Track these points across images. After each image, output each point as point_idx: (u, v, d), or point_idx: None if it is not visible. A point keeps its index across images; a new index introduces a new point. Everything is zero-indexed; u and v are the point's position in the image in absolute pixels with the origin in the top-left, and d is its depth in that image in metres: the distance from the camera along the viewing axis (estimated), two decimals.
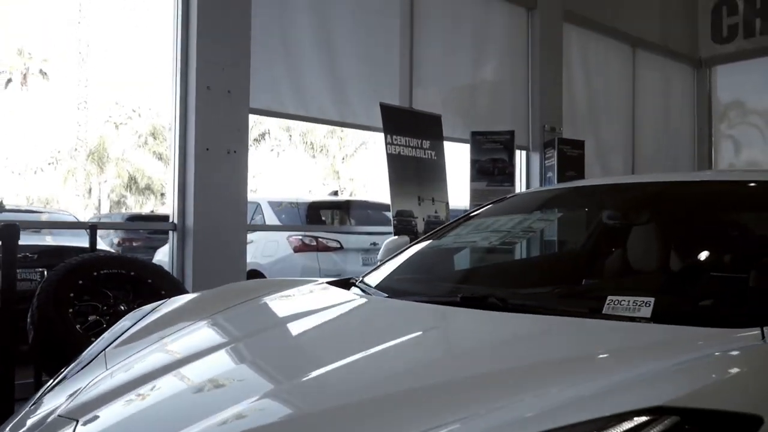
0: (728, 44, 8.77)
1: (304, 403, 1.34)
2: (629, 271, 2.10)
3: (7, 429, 1.58)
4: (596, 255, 2.39)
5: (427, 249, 2.58)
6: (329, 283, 2.36)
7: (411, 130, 5.64)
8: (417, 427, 1.10)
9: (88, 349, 2.05)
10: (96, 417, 1.46)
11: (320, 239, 6.99)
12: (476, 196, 6.01)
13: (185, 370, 1.63)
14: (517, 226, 2.39)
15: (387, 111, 5.50)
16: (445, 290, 2.16)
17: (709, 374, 1.14)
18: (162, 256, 7.05)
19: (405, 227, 5.33)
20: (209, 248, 4.64)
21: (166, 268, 4.35)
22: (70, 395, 1.65)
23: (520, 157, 6.88)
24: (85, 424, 1.44)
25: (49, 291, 3.61)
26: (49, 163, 33.18)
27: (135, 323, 2.13)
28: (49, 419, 1.52)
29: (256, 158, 26.63)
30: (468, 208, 5.84)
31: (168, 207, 4.94)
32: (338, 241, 7.04)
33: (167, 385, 1.57)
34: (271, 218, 7.69)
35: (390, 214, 5.44)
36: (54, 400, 1.66)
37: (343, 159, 30.11)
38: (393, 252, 2.64)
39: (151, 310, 2.23)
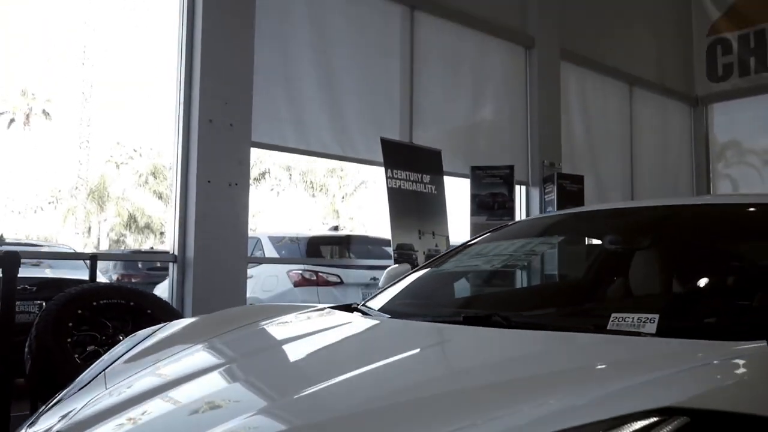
0: (724, 82, 8.89)
1: (297, 418, 1.33)
2: (632, 294, 2.10)
3: None
4: (598, 280, 2.39)
5: (429, 275, 2.58)
6: (331, 307, 2.35)
7: (411, 164, 5.68)
8: None
9: (87, 371, 2.03)
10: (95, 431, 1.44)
11: (320, 274, 6.97)
12: (476, 230, 6.02)
13: (182, 389, 1.62)
14: (518, 250, 2.40)
15: (387, 145, 5.55)
16: (447, 311, 2.15)
17: (718, 378, 1.13)
18: (161, 291, 7.02)
19: (406, 260, 5.32)
20: (209, 280, 4.63)
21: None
22: (68, 413, 1.63)
23: (519, 192, 6.92)
24: None
25: (48, 320, 3.59)
26: (50, 202, 33.27)
27: (134, 346, 2.12)
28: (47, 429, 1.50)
29: (256, 197, 26.74)
30: None
31: (167, 244, 4.94)
32: (338, 276, 7.02)
33: (164, 403, 1.55)
34: (271, 253, 7.68)
35: (390, 249, 5.44)
36: (51, 419, 1.64)
37: (343, 198, 30.23)
38: (394, 279, 2.63)
39: (151, 333, 2.22)
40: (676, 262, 2.12)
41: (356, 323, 2.01)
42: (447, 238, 5.78)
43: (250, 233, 5.30)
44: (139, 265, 10.69)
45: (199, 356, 1.92)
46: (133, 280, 10.15)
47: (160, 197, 28.79)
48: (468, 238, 5.97)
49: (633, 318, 1.59)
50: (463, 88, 6.61)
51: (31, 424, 1.70)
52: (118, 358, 2.05)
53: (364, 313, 2.19)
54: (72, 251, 7.04)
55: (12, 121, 34.94)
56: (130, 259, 11.48)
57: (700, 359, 1.25)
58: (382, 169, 5.45)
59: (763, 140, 8.70)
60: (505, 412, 1.12)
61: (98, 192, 30.21)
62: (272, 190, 30.86)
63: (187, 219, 4.65)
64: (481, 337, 1.66)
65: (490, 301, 2.56)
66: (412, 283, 2.50)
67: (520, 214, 6.81)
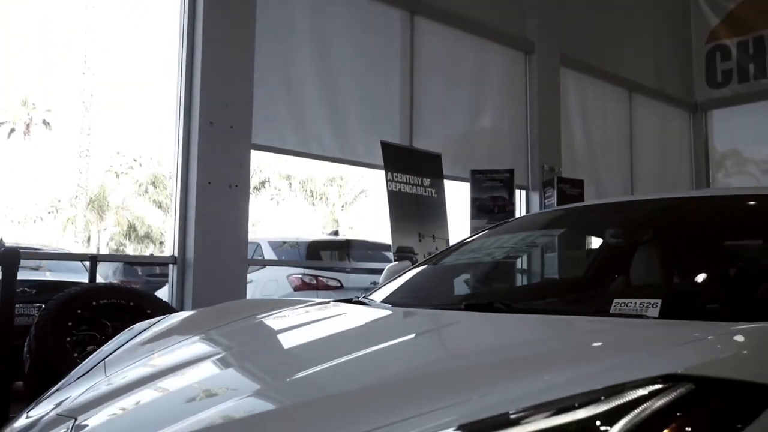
0: (723, 89, 8.91)
1: (288, 399, 1.32)
2: (634, 284, 2.09)
3: (6, 429, 1.55)
4: (600, 272, 2.38)
5: (431, 270, 2.57)
6: (331, 301, 2.35)
7: (411, 167, 5.69)
8: (410, 411, 1.06)
9: (85, 361, 2.03)
10: (93, 415, 1.43)
11: (320, 278, 6.96)
12: None
13: (178, 375, 1.61)
14: (518, 243, 2.39)
15: (387, 149, 5.56)
16: (449, 300, 2.14)
17: (721, 349, 1.12)
18: (160, 296, 7.00)
19: None
20: (209, 282, 4.62)
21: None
22: (67, 399, 1.63)
23: (519, 196, 6.92)
24: (82, 421, 1.41)
25: (47, 320, 3.58)
26: (49, 212, 33.26)
27: (132, 338, 2.11)
28: (47, 417, 1.49)
29: (256, 206, 26.73)
30: None
31: (167, 246, 4.93)
32: (338, 280, 7.00)
33: (160, 389, 1.54)
34: (271, 258, 7.67)
35: (390, 253, 5.43)
36: (49, 405, 1.64)
37: (343, 206, 30.23)
38: (395, 275, 2.62)
39: (148, 326, 2.21)
40: (677, 252, 2.11)
41: (356, 312, 2.01)
42: (447, 241, 5.77)
43: (250, 238, 5.29)
44: (139, 272, 10.65)
45: (196, 346, 1.91)
46: (132, 287, 10.09)
47: (160, 206, 28.78)
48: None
49: (635, 303, 1.59)
50: (463, 93, 6.62)
51: (29, 410, 1.69)
52: (117, 349, 2.04)
53: (364, 305, 2.18)
54: (71, 253, 7.02)
55: (12, 131, 34.97)
56: (129, 261, 11.43)
57: (703, 335, 1.24)
58: (382, 178, 5.46)
59: (763, 149, 8.70)
60: (502, 387, 1.11)
61: (98, 201, 30.20)
62: (272, 199, 30.87)
63: (187, 220, 4.64)
64: (481, 321, 1.66)
65: (492, 291, 2.55)
66: (413, 277, 2.49)
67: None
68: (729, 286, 1.82)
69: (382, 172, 5.44)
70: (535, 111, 7.11)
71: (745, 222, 2.03)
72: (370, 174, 5.94)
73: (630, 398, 0.93)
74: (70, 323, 3.63)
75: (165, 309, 4.00)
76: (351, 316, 1.95)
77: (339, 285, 6.98)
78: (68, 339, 3.57)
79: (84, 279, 4.66)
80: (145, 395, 1.49)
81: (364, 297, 2.32)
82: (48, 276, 5.90)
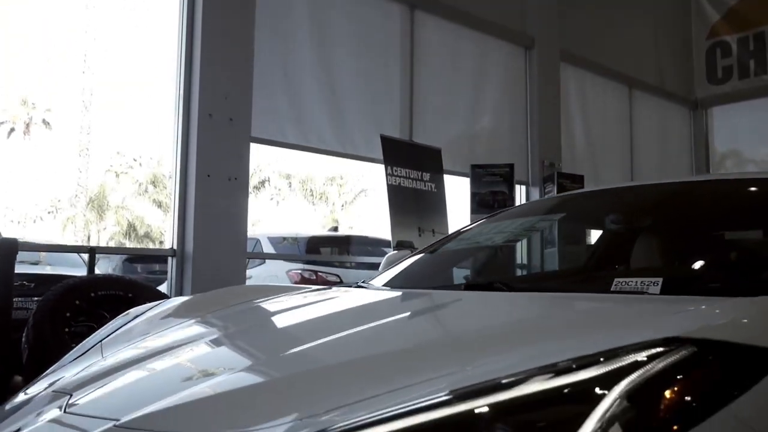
0: (723, 85, 8.89)
1: (278, 372, 1.31)
2: (634, 267, 2.08)
3: (3, 406, 1.54)
4: (600, 256, 2.36)
5: (430, 257, 2.55)
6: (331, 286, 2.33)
7: (411, 162, 5.67)
8: (402, 381, 1.04)
9: (82, 343, 2.02)
10: (89, 391, 1.42)
11: (320, 273, 6.94)
12: None
13: (173, 354, 1.60)
14: (518, 227, 2.38)
15: (387, 143, 5.54)
16: (449, 283, 2.13)
17: (723, 314, 1.11)
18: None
19: None
20: (208, 274, 4.60)
21: None
22: (63, 377, 1.62)
23: (519, 191, 6.91)
24: (77, 397, 1.40)
25: (45, 310, 3.57)
26: (49, 212, 33.25)
27: (129, 321, 2.10)
28: (42, 393, 1.48)
29: (256, 205, 26.71)
30: None
31: (166, 240, 4.92)
32: (338, 276, 6.99)
33: (154, 366, 1.53)
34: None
35: (390, 249, 5.41)
36: (47, 382, 1.62)
37: (343, 206, 30.21)
38: (394, 263, 2.61)
39: (146, 310, 2.20)
40: (678, 235, 2.10)
41: (354, 294, 1.99)
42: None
43: (249, 234, 5.27)
44: (138, 269, 10.65)
45: (192, 328, 1.90)
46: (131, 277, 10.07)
47: (160, 206, 28.78)
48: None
49: (636, 281, 1.57)
50: (463, 88, 6.61)
51: (26, 389, 1.68)
52: (113, 333, 2.03)
53: (364, 289, 2.17)
54: (69, 245, 7.01)
55: (12, 130, 34.97)
56: (128, 253, 11.40)
57: (704, 305, 1.23)
58: (382, 177, 5.44)
59: (764, 149, 8.68)
60: (498, 357, 1.10)
61: (98, 201, 30.20)
62: (272, 198, 30.86)
63: (186, 213, 4.63)
64: (480, 299, 1.64)
65: (492, 273, 2.54)
66: (413, 263, 2.47)
67: None
68: (731, 265, 1.81)
69: (383, 171, 5.42)
70: (535, 106, 7.10)
71: (746, 203, 2.02)
72: (370, 173, 5.95)
73: (630, 361, 0.91)
74: (68, 314, 3.62)
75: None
76: (349, 298, 1.94)
77: (338, 280, 6.97)
78: (66, 329, 3.56)
79: (83, 273, 4.65)
80: (140, 373, 1.48)
81: (363, 282, 2.30)
82: (48, 270, 5.91)
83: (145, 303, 3.82)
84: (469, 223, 6.13)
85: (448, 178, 6.06)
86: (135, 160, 32.97)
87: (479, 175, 6.21)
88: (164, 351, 1.62)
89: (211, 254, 4.63)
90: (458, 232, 2.63)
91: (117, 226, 30.03)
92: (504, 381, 0.92)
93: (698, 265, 1.81)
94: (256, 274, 7.08)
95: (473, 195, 6.21)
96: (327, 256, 7.87)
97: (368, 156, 5.78)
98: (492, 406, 0.88)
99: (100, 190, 30.60)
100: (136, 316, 2.14)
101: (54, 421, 1.28)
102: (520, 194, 6.93)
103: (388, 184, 5.45)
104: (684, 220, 2.11)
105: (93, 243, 30.61)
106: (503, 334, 1.27)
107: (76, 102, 30.73)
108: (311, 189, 29.69)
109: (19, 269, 5.80)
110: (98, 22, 31.24)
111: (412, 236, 5.50)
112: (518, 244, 3.04)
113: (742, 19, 8.61)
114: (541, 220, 2.48)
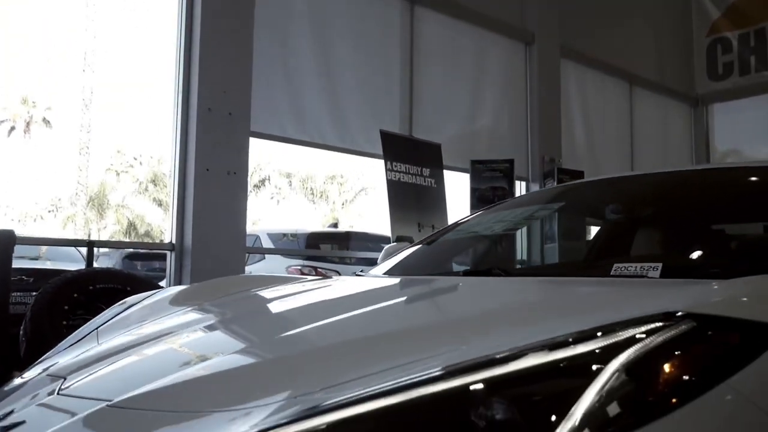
0: (724, 81, 8.87)
1: (270, 354, 1.30)
2: (634, 254, 2.06)
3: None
4: (599, 244, 2.35)
5: (429, 247, 2.54)
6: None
7: (411, 157, 5.66)
8: (396, 361, 1.02)
9: (77, 330, 2.00)
10: (83, 375, 1.41)
11: (319, 270, 6.93)
12: None
13: (173, 338, 1.59)
14: (517, 216, 2.36)
15: (387, 138, 5.53)
16: (448, 270, 2.11)
17: (722, 291, 1.10)
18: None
19: None
20: (207, 269, 4.58)
21: None
22: (58, 362, 1.61)
23: (519, 187, 6.89)
24: (71, 380, 1.39)
25: (43, 303, 3.56)
26: (50, 211, 33.27)
27: (125, 310, 2.09)
28: (37, 377, 1.47)
29: (256, 205, 26.71)
30: None
31: (165, 234, 4.91)
32: (337, 272, 6.97)
33: (153, 349, 1.52)
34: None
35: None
36: (42, 368, 1.61)
37: (343, 204, 30.20)
38: (392, 255, 2.59)
39: (142, 299, 2.19)
40: (678, 223, 2.08)
41: (353, 281, 1.98)
42: None
43: (249, 230, 5.26)
44: (138, 266, 10.65)
45: (189, 315, 1.89)
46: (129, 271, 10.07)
47: (160, 204, 28.78)
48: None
49: (636, 266, 1.56)
50: (463, 83, 6.59)
51: (21, 374, 1.67)
52: (108, 321, 2.02)
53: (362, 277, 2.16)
54: (68, 239, 7.00)
55: (12, 129, 34.96)
56: (127, 247, 11.38)
57: (703, 284, 1.21)
58: (382, 174, 5.42)
59: (765, 145, 8.65)
60: (497, 336, 1.08)
61: (98, 199, 30.19)
62: (272, 197, 30.85)
63: (185, 207, 4.61)
64: (478, 284, 1.63)
65: (492, 262, 2.52)
66: (412, 254, 2.46)
67: None
68: (731, 252, 1.80)
69: (383, 168, 5.40)
70: (535, 102, 7.09)
71: (747, 191, 2.00)
72: (371, 171, 5.94)
73: (628, 335, 0.90)
74: (66, 307, 3.61)
75: None
76: (347, 285, 1.93)
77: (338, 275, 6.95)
78: (64, 322, 3.55)
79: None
80: (135, 357, 1.47)
81: (361, 272, 2.29)
82: (48, 265, 5.90)
83: None
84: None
85: (448, 174, 6.05)
86: (135, 158, 33.00)
87: (479, 170, 6.20)
88: (160, 337, 1.61)
89: (210, 249, 4.62)
90: (457, 223, 2.62)
91: (117, 225, 30.03)
92: (500, 356, 0.90)
93: (698, 251, 1.79)
94: (256, 270, 7.07)
95: (473, 190, 6.19)
96: (326, 251, 7.85)
97: (368, 151, 5.76)
98: (489, 380, 0.87)
99: (100, 188, 30.61)
100: (133, 305, 2.13)
101: (47, 402, 1.27)
102: (520, 190, 6.91)
103: (387, 180, 5.43)
104: (684, 208, 2.10)
105: None
106: (501, 314, 1.25)
107: (77, 100, 30.71)
108: (311, 187, 29.68)
109: (19, 264, 5.80)
110: (98, 20, 31.23)
111: (411, 232, 5.48)
112: (518, 234, 3.03)
113: (742, 16, 8.59)
114: (541, 209, 2.47)
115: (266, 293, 2.03)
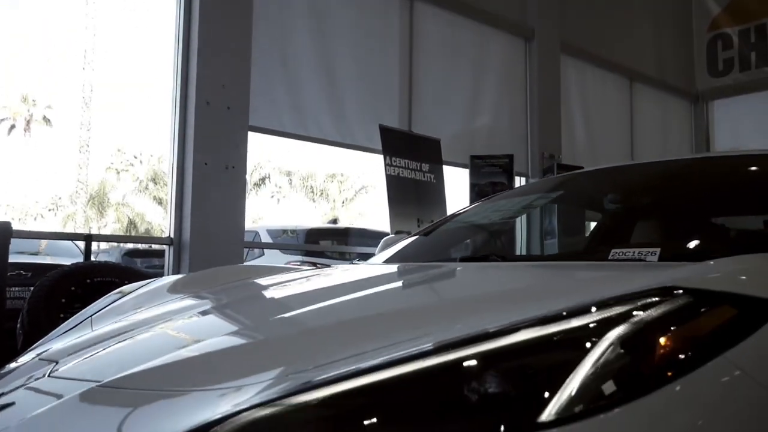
0: (724, 77, 8.85)
1: (262, 335, 1.30)
2: (632, 241, 2.05)
3: None
4: (598, 232, 2.34)
5: (427, 238, 2.53)
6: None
7: (410, 152, 5.64)
8: (387, 340, 1.01)
9: (72, 318, 1.99)
10: (75, 358, 1.40)
11: (318, 265, 6.91)
12: None
13: (167, 322, 1.58)
14: (515, 205, 2.35)
15: (386, 133, 5.51)
16: (446, 257, 2.10)
17: (718, 267, 1.08)
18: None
19: None
20: (205, 263, 4.55)
21: None
22: (51, 347, 1.59)
23: (519, 183, 6.87)
24: (63, 363, 1.38)
25: (41, 296, 3.54)
26: (50, 210, 33.27)
27: (120, 298, 2.08)
28: (29, 362, 1.46)
29: (257, 203, 26.70)
30: None
31: (164, 228, 4.89)
32: None
33: (147, 334, 1.51)
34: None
35: None
36: (35, 353, 1.60)
37: (343, 203, 30.18)
38: (390, 246, 2.58)
39: (138, 288, 2.17)
40: (676, 211, 2.07)
41: (350, 269, 1.97)
42: None
43: (249, 227, 5.25)
44: (138, 263, 10.65)
45: (185, 302, 1.87)
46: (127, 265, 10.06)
47: (160, 203, 28.78)
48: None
49: (634, 251, 1.54)
50: (462, 79, 6.58)
51: (16, 360, 1.66)
52: (102, 309, 2.00)
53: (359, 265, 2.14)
54: (65, 232, 6.98)
55: (12, 127, 34.96)
56: (125, 241, 11.37)
57: (703, 264, 1.20)
58: (382, 171, 5.40)
59: (765, 142, 8.62)
60: (490, 313, 1.07)
61: (98, 198, 30.19)
62: (272, 196, 30.83)
63: (183, 201, 4.60)
64: (474, 268, 1.61)
65: (490, 250, 2.51)
66: (409, 244, 2.45)
67: None
68: (730, 239, 1.78)
69: (383, 166, 5.38)
70: (535, 98, 7.07)
71: (744, 179, 1.99)
72: (371, 170, 5.92)
73: (624, 309, 0.88)
74: (63, 300, 3.59)
75: None
76: (344, 272, 1.92)
77: None
78: (61, 315, 3.52)
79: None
80: (128, 341, 1.46)
81: (358, 261, 2.28)
82: (48, 260, 5.89)
83: None
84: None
85: (447, 169, 6.03)
86: (135, 157, 33.01)
87: (478, 166, 6.18)
88: (154, 322, 1.60)
89: (208, 243, 4.60)
90: (455, 214, 2.61)
91: (117, 223, 30.03)
92: (493, 329, 0.89)
93: (697, 237, 1.78)
94: None
95: (472, 186, 6.17)
96: (326, 247, 7.84)
97: (367, 146, 5.74)
98: (481, 354, 0.85)
99: (100, 186, 30.61)
100: (129, 293, 2.11)
101: (37, 385, 1.26)
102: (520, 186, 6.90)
103: (386, 175, 5.41)
104: (684, 196, 2.08)
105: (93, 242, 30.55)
106: (497, 295, 1.24)
107: (77, 99, 30.71)
108: (312, 186, 29.67)
109: (18, 259, 5.79)
110: (98, 19, 31.21)
111: (411, 227, 5.46)
112: (517, 224, 3.02)
113: (743, 11, 8.57)
114: (539, 199, 2.45)
115: (263, 281, 2.02)
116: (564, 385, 0.79)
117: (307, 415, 0.85)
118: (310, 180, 29.26)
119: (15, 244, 4.56)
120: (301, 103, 5.35)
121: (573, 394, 0.78)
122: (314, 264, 6.98)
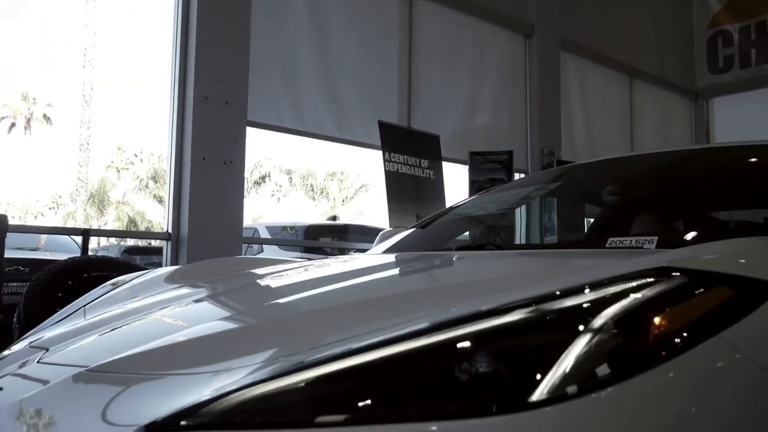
0: (725, 74, 8.83)
1: (254, 320, 1.29)
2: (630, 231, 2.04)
3: None
4: (596, 224, 2.33)
5: (424, 230, 2.52)
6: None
7: (409, 148, 5.63)
8: (381, 323, 1.00)
9: (66, 307, 1.98)
10: (66, 345, 1.38)
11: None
12: None
13: (162, 310, 1.57)
14: (513, 197, 2.34)
15: (385, 129, 5.50)
16: (442, 246, 2.09)
17: (714, 250, 1.07)
18: None
19: None
20: (203, 258, 4.53)
21: None
22: (44, 335, 1.58)
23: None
24: (53, 350, 1.37)
25: (38, 290, 3.53)
26: (50, 208, 33.29)
27: (113, 288, 2.06)
28: (20, 350, 1.45)
29: (257, 202, 26.68)
30: None
31: (162, 223, 4.89)
32: None
33: (140, 321, 1.50)
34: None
35: None
36: (27, 341, 1.59)
37: (343, 201, 30.17)
38: (387, 239, 2.57)
39: (133, 278, 2.16)
40: (673, 202, 2.06)
41: (347, 259, 1.96)
42: None
43: (248, 224, 5.23)
44: (138, 260, 10.65)
45: (180, 291, 1.86)
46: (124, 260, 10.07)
47: (161, 201, 28.77)
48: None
49: (631, 239, 1.53)
50: (462, 75, 6.56)
51: (9, 348, 1.65)
52: (96, 299, 1.99)
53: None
54: (63, 227, 6.97)
55: (13, 125, 34.96)
56: (123, 236, 11.37)
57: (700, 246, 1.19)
58: (382, 168, 5.38)
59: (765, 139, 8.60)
60: (484, 297, 1.05)
61: (98, 196, 30.19)
62: (273, 195, 30.83)
63: (181, 196, 4.59)
64: (471, 257, 1.60)
65: (486, 238, 2.50)
66: (407, 236, 2.44)
67: None
68: (728, 229, 1.77)
69: (382, 162, 5.37)
70: (535, 94, 7.05)
71: (742, 170, 1.98)
72: (371, 168, 5.91)
73: (618, 289, 0.87)
74: (60, 294, 3.57)
75: None
76: (341, 262, 1.91)
77: None
78: (58, 309, 3.50)
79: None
80: (120, 329, 1.44)
81: (355, 252, 2.27)
82: (48, 256, 5.88)
83: None
84: None
85: (446, 165, 6.02)
86: (136, 155, 33.03)
87: (478, 162, 6.17)
88: (148, 310, 1.59)
89: (206, 238, 4.59)
90: (453, 207, 2.60)
91: (117, 222, 30.04)
92: (486, 308, 0.88)
93: (694, 227, 1.77)
94: None
95: (472, 182, 6.16)
96: (325, 243, 7.83)
97: (366, 142, 5.73)
98: (474, 334, 0.84)
99: (100, 185, 30.61)
100: (124, 283, 2.10)
101: (26, 371, 1.24)
102: None
103: (386, 171, 5.40)
104: (682, 187, 2.07)
105: (93, 239, 30.57)
106: (492, 280, 1.23)
107: (77, 97, 30.68)
108: (312, 184, 29.66)
109: (17, 255, 5.77)
110: (99, 17, 31.22)
111: (410, 223, 5.42)
112: (515, 216, 3.00)
113: (743, 8, 8.55)
114: (537, 190, 2.44)
115: (260, 270, 2.01)
116: (557, 365, 0.78)
117: (298, 396, 0.84)
118: (310, 178, 29.26)
119: (14, 240, 4.55)
120: (300, 99, 5.34)
121: (566, 373, 0.77)
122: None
